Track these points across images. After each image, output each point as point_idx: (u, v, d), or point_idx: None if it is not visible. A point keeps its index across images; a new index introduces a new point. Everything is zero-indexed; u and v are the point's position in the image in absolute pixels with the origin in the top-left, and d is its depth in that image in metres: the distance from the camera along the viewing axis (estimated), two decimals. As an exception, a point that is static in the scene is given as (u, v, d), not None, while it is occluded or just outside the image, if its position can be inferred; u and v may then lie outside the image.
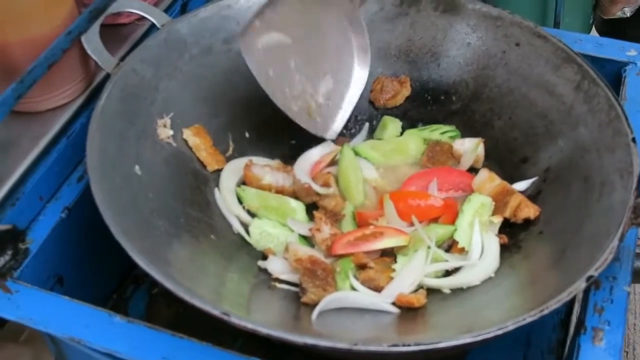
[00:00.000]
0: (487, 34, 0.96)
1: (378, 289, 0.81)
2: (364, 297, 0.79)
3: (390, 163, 0.95)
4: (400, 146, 0.96)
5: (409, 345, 0.63)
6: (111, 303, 1.01)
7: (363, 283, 0.81)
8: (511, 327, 0.65)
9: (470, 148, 0.93)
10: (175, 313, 1.01)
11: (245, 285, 0.81)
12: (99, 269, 0.96)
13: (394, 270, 0.82)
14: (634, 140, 0.79)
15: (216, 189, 0.91)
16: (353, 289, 0.81)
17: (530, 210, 0.85)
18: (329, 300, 0.78)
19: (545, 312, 0.67)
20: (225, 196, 0.90)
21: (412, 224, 0.86)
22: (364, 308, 0.79)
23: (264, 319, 0.76)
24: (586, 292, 0.78)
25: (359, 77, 0.96)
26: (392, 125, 0.99)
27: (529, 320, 0.66)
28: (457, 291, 0.81)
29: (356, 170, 0.92)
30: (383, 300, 0.79)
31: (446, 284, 0.82)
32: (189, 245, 0.81)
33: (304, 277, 0.79)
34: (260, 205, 0.89)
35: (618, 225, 0.72)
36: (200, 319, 0.69)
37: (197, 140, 0.91)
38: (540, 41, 0.93)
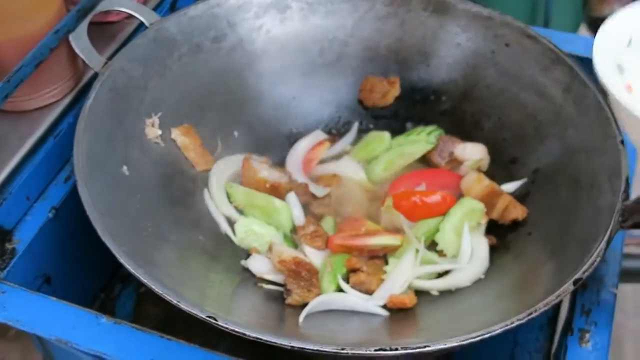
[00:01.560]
0: (477, 35, 0.96)
1: (369, 292, 0.81)
2: (352, 299, 0.79)
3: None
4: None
5: (396, 349, 0.63)
6: (99, 302, 1.01)
7: (354, 286, 0.81)
8: (499, 331, 0.65)
9: (474, 160, 0.93)
10: (163, 312, 1.00)
11: (230, 285, 0.81)
12: (86, 269, 0.96)
13: (384, 272, 0.82)
14: (622, 142, 0.79)
15: (205, 189, 0.91)
16: (340, 291, 0.81)
17: (518, 212, 0.85)
18: (317, 302, 0.78)
19: (534, 315, 0.67)
20: (214, 194, 0.90)
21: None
22: (352, 310, 0.79)
23: (250, 320, 0.76)
24: (573, 293, 0.78)
25: None
26: (378, 141, 0.98)
27: (517, 323, 0.66)
28: (446, 293, 0.82)
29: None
30: (373, 303, 0.79)
31: (436, 286, 0.82)
32: (176, 246, 0.81)
33: (289, 279, 0.79)
34: (247, 203, 0.89)
35: (606, 229, 0.73)
36: (188, 318, 0.69)
37: (185, 139, 0.91)
38: (530, 42, 0.92)
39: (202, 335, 0.75)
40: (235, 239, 0.87)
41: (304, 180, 0.92)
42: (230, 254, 0.87)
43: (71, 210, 0.87)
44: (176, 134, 0.91)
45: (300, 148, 0.96)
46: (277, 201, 0.89)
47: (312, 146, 0.96)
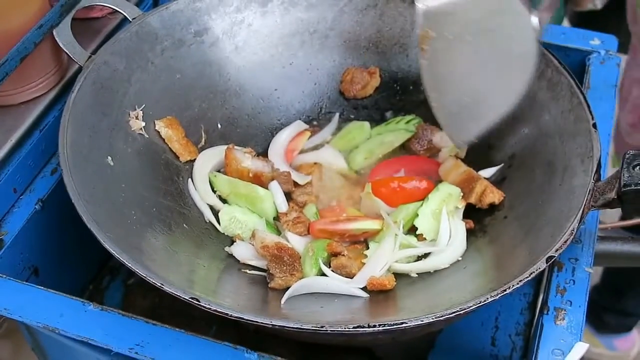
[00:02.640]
0: (454, 24, 0.98)
1: (350, 276, 0.83)
2: (333, 282, 0.81)
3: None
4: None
5: (374, 327, 0.65)
6: (87, 294, 1.03)
7: (335, 270, 0.83)
8: (473, 307, 0.67)
9: (452, 146, 0.95)
10: (151, 303, 1.02)
11: (215, 271, 0.83)
12: (74, 261, 0.97)
13: (365, 256, 0.84)
14: (594, 126, 0.81)
15: (189, 179, 0.92)
16: (323, 275, 0.82)
17: (495, 196, 0.87)
18: (299, 285, 0.79)
19: (507, 291, 0.68)
20: (198, 184, 0.92)
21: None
22: (334, 293, 0.80)
23: (233, 303, 0.77)
24: (550, 273, 0.80)
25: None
26: (358, 130, 1.00)
27: (490, 300, 0.67)
28: (425, 275, 0.83)
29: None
30: (353, 285, 0.81)
31: (415, 268, 0.84)
32: (161, 234, 0.82)
33: (271, 264, 0.81)
34: (230, 191, 0.91)
35: (578, 208, 0.75)
36: (175, 308, 0.70)
37: (169, 131, 0.93)
38: (506, 31, 0.94)
39: (189, 324, 0.77)
40: (219, 227, 0.89)
41: (286, 169, 0.94)
42: (215, 242, 0.88)
43: (58, 203, 0.88)
44: (160, 125, 0.92)
45: (282, 138, 0.98)
46: (260, 189, 0.91)
47: (293, 136, 0.98)
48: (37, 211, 0.88)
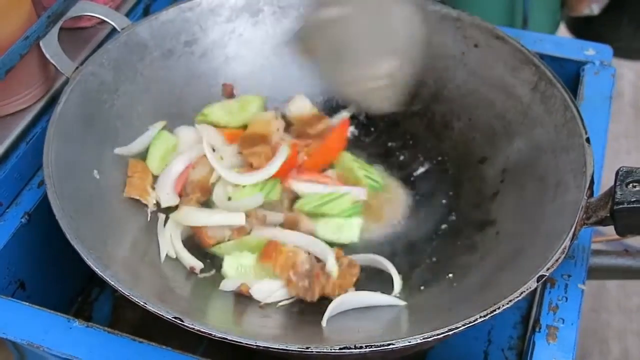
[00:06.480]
0: (446, 36, 0.97)
1: None
2: (374, 295, 0.81)
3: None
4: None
5: (360, 347, 0.64)
6: (76, 307, 1.01)
7: None
8: (461, 328, 0.66)
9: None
10: (141, 316, 1.01)
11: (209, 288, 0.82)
12: (62, 273, 0.96)
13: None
14: (588, 140, 0.80)
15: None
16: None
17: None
18: (337, 303, 0.78)
19: (497, 312, 0.67)
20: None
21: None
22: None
23: (222, 320, 0.76)
24: (542, 290, 0.79)
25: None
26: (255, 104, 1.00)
27: (480, 320, 0.66)
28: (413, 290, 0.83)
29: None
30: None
31: None
32: (147, 250, 0.81)
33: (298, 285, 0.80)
34: None
35: (570, 226, 0.73)
36: (165, 321, 0.69)
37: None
38: (499, 42, 0.93)
39: (180, 338, 0.76)
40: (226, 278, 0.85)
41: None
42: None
43: (45, 216, 0.86)
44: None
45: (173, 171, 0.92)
46: None
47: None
48: (24, 224, 0.87)
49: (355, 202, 0.89)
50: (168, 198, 0.88)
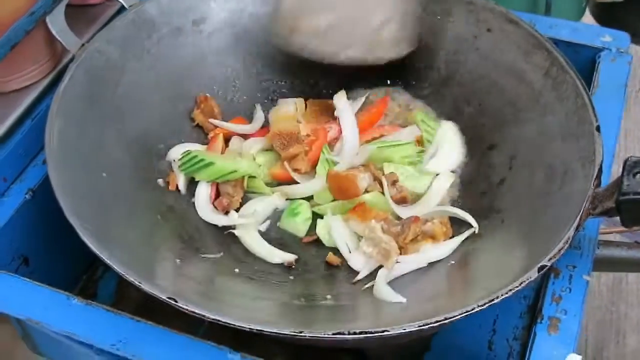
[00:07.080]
0: (459, 19, 0.95)
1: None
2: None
3: None
4: None
5: (354, 334, 0.63)
6: (81, 284, 1.02)
7: None
8: (459, 317, 0.65)
9: None
10: (145, 295, 1.01)
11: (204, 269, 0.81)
12: (66, 251, 0.96)
13: None
14: (597, 128, 0.78)
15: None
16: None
17: None
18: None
19: (496, 301, 0.66)
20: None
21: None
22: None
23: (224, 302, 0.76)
24: (546, 280, 0.78)
25: None
26: None
27: (477, 309, 0.65)
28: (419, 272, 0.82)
29: None
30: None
31: None
32: (148, 229, 0.81)
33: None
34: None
35: (575, 215, 0.72)
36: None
37: None
38: (512, 26, 0.91)
39: (181, 319, 0.75)
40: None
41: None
42: (208, 242, 0.86)
43: (49, 193, 0.86)
44: None
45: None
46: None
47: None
48: (27, 200, 0.87)
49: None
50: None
